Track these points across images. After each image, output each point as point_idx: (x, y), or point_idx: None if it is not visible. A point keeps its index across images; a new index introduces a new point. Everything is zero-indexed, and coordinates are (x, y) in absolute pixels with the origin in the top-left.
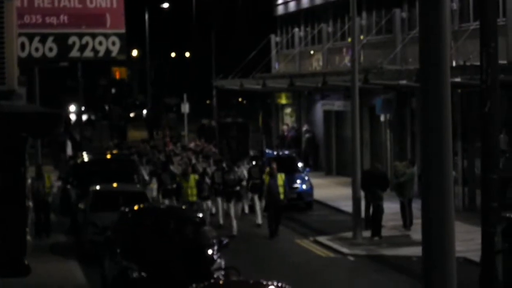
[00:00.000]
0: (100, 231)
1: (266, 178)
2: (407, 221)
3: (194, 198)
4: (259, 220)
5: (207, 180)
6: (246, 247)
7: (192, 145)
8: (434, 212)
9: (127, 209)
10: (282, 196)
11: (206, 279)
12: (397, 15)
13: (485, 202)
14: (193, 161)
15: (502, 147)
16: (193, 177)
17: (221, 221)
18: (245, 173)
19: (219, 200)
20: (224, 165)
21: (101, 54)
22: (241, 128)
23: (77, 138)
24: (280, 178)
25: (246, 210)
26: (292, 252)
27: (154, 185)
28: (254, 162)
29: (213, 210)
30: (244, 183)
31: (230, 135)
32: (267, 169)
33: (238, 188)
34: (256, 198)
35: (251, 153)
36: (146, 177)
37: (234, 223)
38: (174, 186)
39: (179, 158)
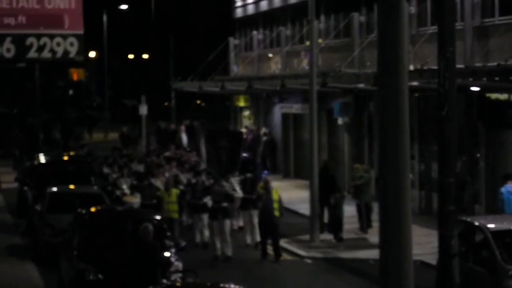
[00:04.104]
0: (56, 233)
1: (261, 192)
2: (364, 224)
3: (176, 215)
4: (249, 240)
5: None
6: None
7: (168, 153)
8: (391, 215)
9: (83, 211)
10: (277, 213)
11: (163, 282)
12: (355, 18)
13: (442, 206)
14: (175, 171)
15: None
16: (175, 192)
17: (197, 240)
18: (237, 187)
19: (198, 217)
20: (203, 177)
21: (59, 55)
22: (233, 137)
23: (57, 136)
24: (275, 193)
25: (235, 226)
26: (250, 255)
27: (136, 199)
28: (245, 175)
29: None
30: (239, 195)
31: (220, 145)
32: (261, 183)
33: (225, 204)
34: (247, 215)
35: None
36: (127, 191)
37: (218, 242)
38: (155, 201)
39: (163, 170)
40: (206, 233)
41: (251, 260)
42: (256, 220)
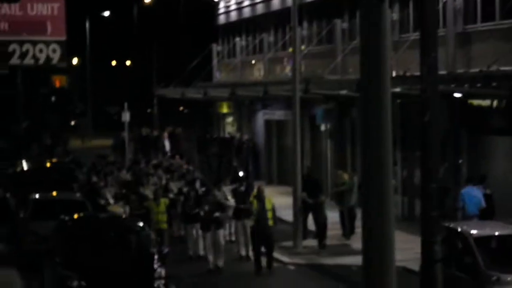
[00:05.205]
0: (40, 240)
1: (253, 202)
2: (347, 230)
3: (164, 226)
4: (243, 251)
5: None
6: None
7: (155, 161)
8: (374, 221)
9: (66, 218)
10: (271, 222)
11: None
12: (338, 25)
13: (425, 211)
14: (164, 180)
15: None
16: (164, 201)
17: (191, 252)
18: (229, 196)
19: (191, 228)
20: (197, 186)
21: (41, 61)
22: (225, 145)
23: (47, 143)
24: (269, 202)
25: (230, 237)
26: (233, 262)
27: (119, 209)
28: (238, 184)
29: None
30: (232, 204)
31: (211, 152)
32: (254, 191)
33: (217, 214)
34: (240, 225)
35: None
36: (111, 200)
37: (211, 255)
38: (143, 211)
39: (153, 179)
40: (201, 244)
41: (243, 271)
42: (249, 230)
